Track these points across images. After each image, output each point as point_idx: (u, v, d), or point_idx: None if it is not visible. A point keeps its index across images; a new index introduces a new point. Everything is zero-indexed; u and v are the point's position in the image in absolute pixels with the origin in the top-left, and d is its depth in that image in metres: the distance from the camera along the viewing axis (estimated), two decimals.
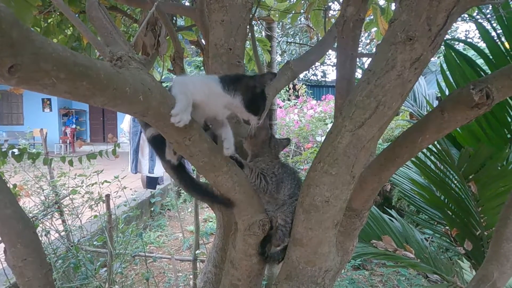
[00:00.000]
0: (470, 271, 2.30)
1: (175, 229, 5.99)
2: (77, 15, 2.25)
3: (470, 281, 1.26)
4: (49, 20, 2.38)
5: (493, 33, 1.79)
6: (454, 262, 2.70)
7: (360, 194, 1.09)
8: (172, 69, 1.93)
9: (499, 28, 1.75)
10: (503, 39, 1.75)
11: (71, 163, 2.13)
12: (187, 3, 2.44)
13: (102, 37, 0.82)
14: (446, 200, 2.15)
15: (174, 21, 2.37)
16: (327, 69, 16.23)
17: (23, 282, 1.24)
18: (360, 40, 1.36)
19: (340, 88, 1.31)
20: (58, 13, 2.29)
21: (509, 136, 1.89)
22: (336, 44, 1.55)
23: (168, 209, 6.97)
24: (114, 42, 0.79)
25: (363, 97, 0.89)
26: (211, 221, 6.00)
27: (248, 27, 2.25)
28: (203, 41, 2.10)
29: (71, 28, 2.46)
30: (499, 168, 1.74)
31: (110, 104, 0.66)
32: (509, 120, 1.87)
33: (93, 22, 0.83)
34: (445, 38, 1.97)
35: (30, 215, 3.09)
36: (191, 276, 3.87)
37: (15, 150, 2.00)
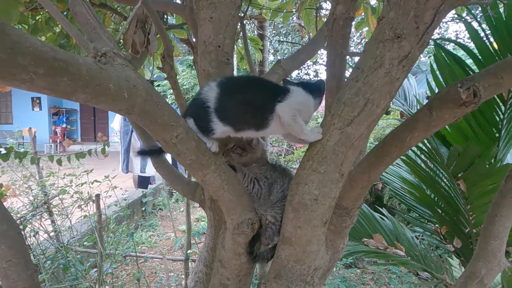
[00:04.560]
0: (459, 268, 2.33)
1: (167, 229, 5.96)
2: (65, 13, 2.22)
3: (459, 278, 1.27)
4: (37, 17, 2.34)
5: (482, 34, 1.81)
6: (443, 259, 2.73)
7: (350, 192, 1.09)
8: (162, 67, 1.91)
9: (488, 28, 1.77)
10: (491, 39, 1.77)
11: (59, 162, 2.10)
12: (177, 1, 2.41)
13: (86, 33, 0.80)
14: (436, 198, 2.17)
15: (165, 19, 2.35)
16: (319, 69, 16.24)
17: (7, 284, 1.22)
18: (351, 39, 1.36)
19: (330, 87, 1.30)
20: (46, 10, 2.25)
21: (497, 135, 1.92)
22: (326, 43, 1.55)
23: (160, 208, 6.93)
24: (98, 38, 0.78)
25: (351, 95, 0.89)
26: (203, 221, 5.98)
27: (239, 25, 2.25)
28: (194, 39, 2.08)
29: (59, 25, 2.42)
30: (487, 166, 1.76)
31: (93, 101, 0.65)
32: (497, 119, 1.89)
33: (76, 18, 0.81)
34: (435, 38, 1.99)
35: (18, 215, 3.04)
36: (183, 276, 3.85)
37: (2, 149, 1.96)
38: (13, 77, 0.50)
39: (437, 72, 1.97)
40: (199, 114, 0.99)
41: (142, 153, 1.17)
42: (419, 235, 3.31)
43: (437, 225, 2.21)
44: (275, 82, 1.13)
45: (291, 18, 3.17)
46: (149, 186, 5.94)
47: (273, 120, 1.01)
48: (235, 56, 2.90)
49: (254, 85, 1.08)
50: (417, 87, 2.78)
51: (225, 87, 1.01)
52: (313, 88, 1.11)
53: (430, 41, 0.89)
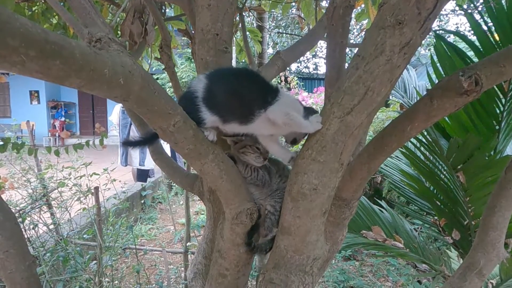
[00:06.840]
0: (457, 260, 2.34)
1: (167, 222, 5.98)
2: (61, 4, 2.19)
3: (458, 268, 1.27)
4: (34, 8, 2.31)
5: (484, 26, 1.79)
6: (442, 251, 2.74)
7: (349, 183, 1.08)
8: (159, 57, 1.89)
9: (489, 20, 1.75)
10: (493, 30, 1.75)
11: (57, 153, 2.08)
12: None
13: (81, 18, 0.78)
14: (435, 190, 2.17)
15: (163, 10, 2.32)
16: (319, 62, 16.17)
17: (5, 275, 1.22)
18: (351, 32, 1.34)
19: (329, 77, 1.29)
20: (43, 1, 2.22)
21: (497, 127, 1.91)
22: (326, 34, 1.53)
23: (159, 202, 6.94)
24: (93, 23, 0.76)
25: (351, 83, 0.88)
26: (203, 214, 5.99)
27: (238, 17, 2.22)
28: (193, 31, 2.06)
29: (56, 16, 2.39)
30: (486, 158, 1.75)
31: (87, 87, 0.63)
32: (497, 111, 1.88)
33: (70, 2, 0.79)
34: (436, 30, 1.96)
35: (17, 208, 3.04)
36: (182, 268, 3.87)
37: None
38: (3, 59, 0.48)
39: (438, 64, 1.96)
40: (189, 105, 0.99)
41: (128, 144, 1.15)
42: (418, 228, 3.32)
43: (436, 218, 2.21)
44: (265, 78, 1.11)
45: (290, 9, 3.14)
46: (148, 179, 5.94)
47: (259, 118, 0.99)
48: (234, 48, 2.88)
49: (243, 76, 1.07)
50: (417, 80, 2.77)
51: (213, 77, 1.02)
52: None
53: (431, 32, 0.88)
